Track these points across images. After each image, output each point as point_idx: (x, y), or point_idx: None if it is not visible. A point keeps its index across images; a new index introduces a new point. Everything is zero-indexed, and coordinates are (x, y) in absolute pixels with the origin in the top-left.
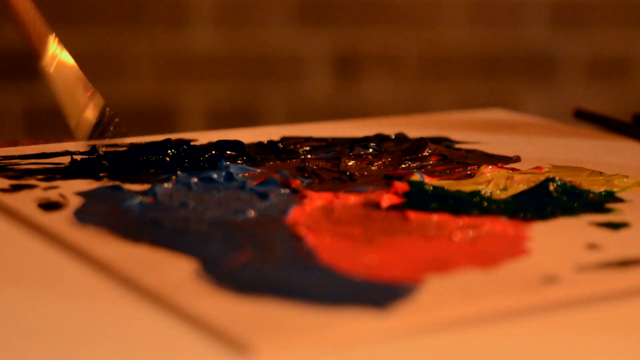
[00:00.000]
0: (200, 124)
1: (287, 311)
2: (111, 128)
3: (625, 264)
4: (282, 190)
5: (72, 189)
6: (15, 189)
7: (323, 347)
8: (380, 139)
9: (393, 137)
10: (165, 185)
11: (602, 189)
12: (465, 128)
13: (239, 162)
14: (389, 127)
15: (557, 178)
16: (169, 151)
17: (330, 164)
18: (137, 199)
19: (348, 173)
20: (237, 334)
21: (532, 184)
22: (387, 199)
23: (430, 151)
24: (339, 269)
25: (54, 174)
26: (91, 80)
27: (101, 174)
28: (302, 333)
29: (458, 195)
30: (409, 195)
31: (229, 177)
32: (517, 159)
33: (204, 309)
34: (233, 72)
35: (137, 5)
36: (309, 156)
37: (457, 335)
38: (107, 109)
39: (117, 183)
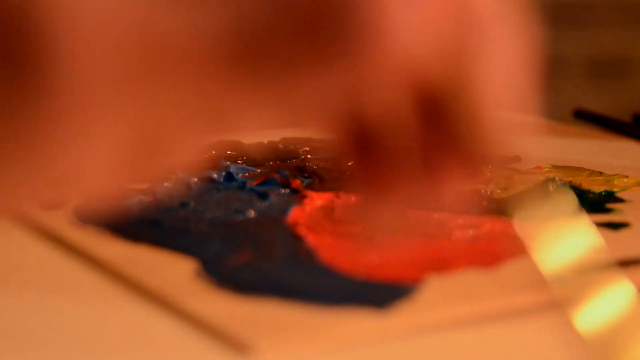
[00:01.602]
0: None
1: (287, 311)
2: None
3: (625, 264)
4: (282, 190)
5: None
6: None
7: (323, 347)
8: None
9: None
10: (165, 185)
11: (602, 189)
12: None
13: (239, 162)
14: None
15: (557, 178)
16: None
17: (330, 164)
18: (137, 199)
19: (348, 173)
20: (237, 334)
21: (532, 184)
22: None
23: None
24: (339, 269)
25: None
26: None
27: None
28: (302, 333)
29: None
30: None
31: (229, 177)
32: (517, 159)
33: (204, 309)
34: None
35: None
36: (309, 156)
37: (457, 335)
38: None
39: None
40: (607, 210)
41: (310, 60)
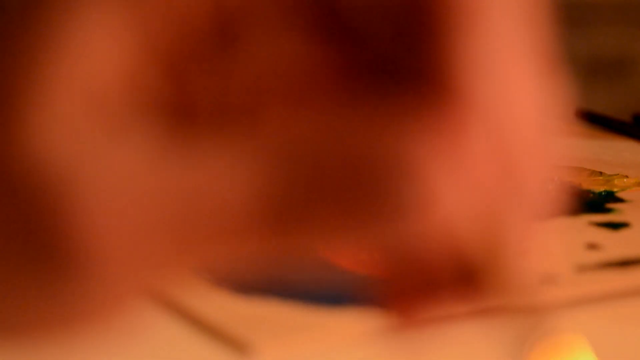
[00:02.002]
0: None
1: (287, 311)
2: None
3: (625, 264)
4: None
5: None
6: None
7: (323, 346)
8: None
9: None
10: None
11: (602, 189)
12: None
13: None
14: None
15: (557, 178)
16: None
17: None
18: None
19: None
20: (237, 334)
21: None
22: None
23: None
24: (340, 267)
25: None
26: None
27: None
28: (302, 333)
29: None
30: None
31: None
32: None
33: (204, 309)
34: None
35: None
36: None
37: (458, 334)
38: None
39: None
40: (607, 210)
41: (345, 229)
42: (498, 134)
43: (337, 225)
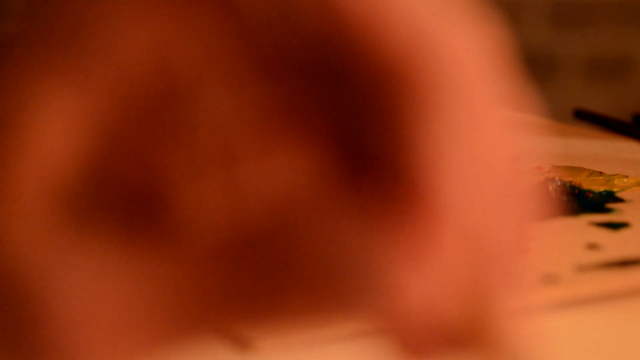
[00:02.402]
0: None
1: None
2: None
3: (625, 264)
4: None
5: None
6: None
7: (323, 346)
8: None
9: None
10: None
11: (602, 189)
12: None
13: None
14: None
15: (557, 178)
16: None
17: None
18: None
19: None
20: (237, 334)
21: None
22: None
23: None
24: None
25: None
26: None
27: None
28: (303, 332)
29: None
30: None
31: None
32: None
33: None
34: None
35: None
36: None
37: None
38: None
39: None
40: (607, 210)
41: (315, 316)
42: (468, 214)
43: (304, 312)
